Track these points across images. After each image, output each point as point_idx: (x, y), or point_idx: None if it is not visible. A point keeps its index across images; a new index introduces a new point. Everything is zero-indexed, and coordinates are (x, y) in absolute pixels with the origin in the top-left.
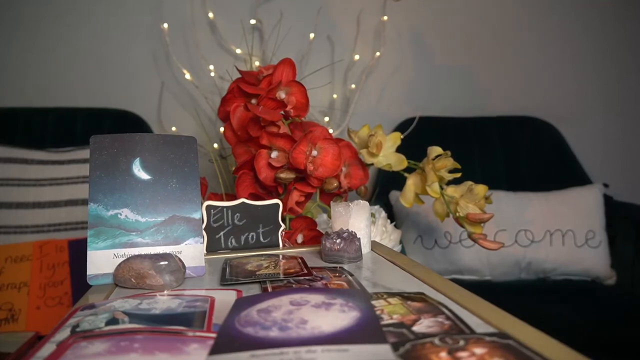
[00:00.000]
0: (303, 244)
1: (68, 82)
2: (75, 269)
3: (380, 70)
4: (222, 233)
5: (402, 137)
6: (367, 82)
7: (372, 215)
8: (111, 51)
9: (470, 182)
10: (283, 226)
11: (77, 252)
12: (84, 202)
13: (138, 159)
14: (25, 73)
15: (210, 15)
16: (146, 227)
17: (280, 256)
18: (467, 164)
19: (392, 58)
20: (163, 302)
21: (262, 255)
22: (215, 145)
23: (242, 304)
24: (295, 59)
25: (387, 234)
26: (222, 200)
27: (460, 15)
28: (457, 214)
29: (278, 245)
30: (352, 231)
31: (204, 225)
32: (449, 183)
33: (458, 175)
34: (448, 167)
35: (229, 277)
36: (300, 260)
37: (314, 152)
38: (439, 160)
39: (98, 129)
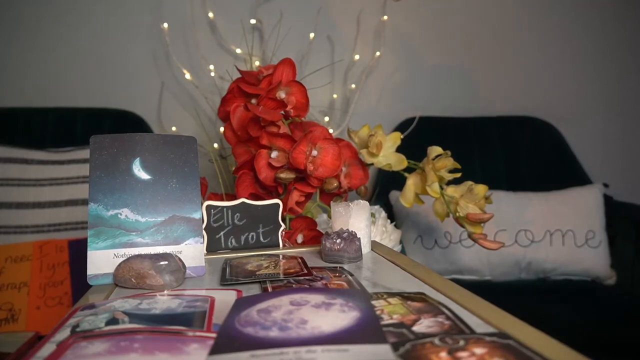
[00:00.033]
0: (303, 244)
1: (68, 82)
2: (75, 269)
3: (380, 70)
4: (222, 233)
5: (402, 137)
6: (367, 82)
7: (372, 215)
8: (111, 51)
9: (470, 182)
10: (283, 226)
11: (77, 252)
12: (84, 202)
13: (138, 159)
14: (25, 73)
15: (210, 15)
16: (146, 227)
17: (280, 256)
18: (467, 164)
19: (392, 58)
20: (163, 302)
21: (262, 255)
22: (215, 145)
23: (242, 304)
24: (295, 59)
25: (387, 234)
26: (222, 200)
27: (460, 15)
28: (457, 214)
29: (278, 245)
30: (352, 231)
31: (204, 225)
32: (449, 183)
33: (458, 175)
34: (448, 167)
35: (229, 277)
36: (300, 260)
37: (314, 152)
38: (439, 160)
39: (98, 129)
